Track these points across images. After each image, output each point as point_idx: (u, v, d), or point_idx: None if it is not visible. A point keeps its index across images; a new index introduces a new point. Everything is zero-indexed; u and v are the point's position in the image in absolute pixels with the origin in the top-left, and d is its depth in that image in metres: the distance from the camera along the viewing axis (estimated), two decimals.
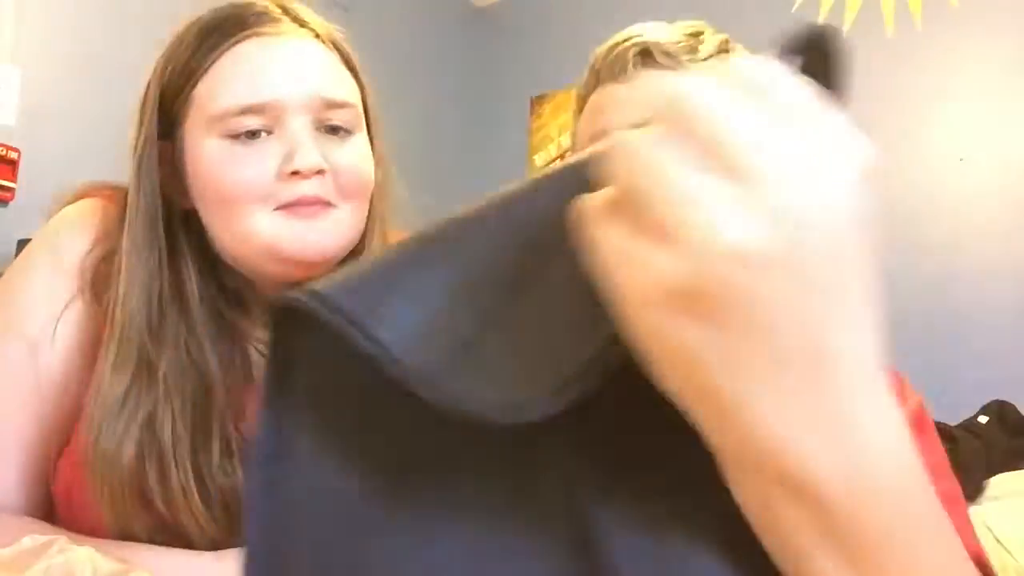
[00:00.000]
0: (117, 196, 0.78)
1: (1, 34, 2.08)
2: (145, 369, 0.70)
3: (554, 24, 3.09)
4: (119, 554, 0.47)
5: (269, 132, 0.71)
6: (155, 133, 0.74)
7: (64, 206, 0.79)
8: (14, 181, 2.06)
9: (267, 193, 0.70)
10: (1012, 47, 2.19)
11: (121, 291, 0.71)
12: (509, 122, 3.18)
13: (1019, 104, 2.16)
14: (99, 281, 0.74)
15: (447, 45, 3.23)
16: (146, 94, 0.76)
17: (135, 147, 0.75)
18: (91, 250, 0.75)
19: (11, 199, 2.07)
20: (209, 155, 0.71)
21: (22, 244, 1.99)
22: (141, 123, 0.76)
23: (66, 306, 0.73)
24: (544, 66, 3.06)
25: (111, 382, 0.69)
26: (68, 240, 0.76)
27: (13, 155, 2.06)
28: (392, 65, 2.51)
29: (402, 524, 0.28)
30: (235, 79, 0.71)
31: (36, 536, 0.43)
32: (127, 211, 0.74)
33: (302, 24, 0.75)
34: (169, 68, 0.74)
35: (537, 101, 3.14)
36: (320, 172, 0.70)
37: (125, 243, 0.72)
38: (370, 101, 0.79)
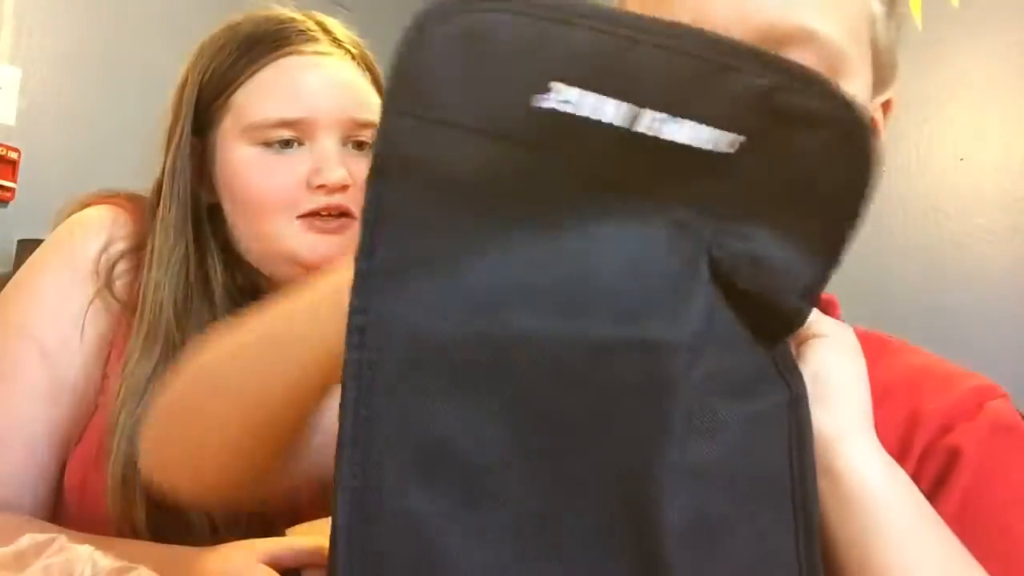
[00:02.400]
0: (125, 202, 0.80)
1: (1, 34, 2.08)
2: (171, 351, 0.72)
3: None
4: (119, 551, 0.48)
5: (300, 143, 0.76)
6: (190, 131, 0.78)
7: (72, 212, 0.81)
8: (14, 181, 2.06)
9: (292, 201, 0.75)
10: (1012, 47, 2.19)
11: (153, 278, 0.75)
12: None
13: (1019, 104, 2.16)
14: (116, 280, 0.76)
15: None
16: (182, 92, 0.80)
17: (170, 143, 0.79)
18: (105, 251, 0.77)
19: (11, 199, 2.07)
20: (241, 160, 0.76)
21: (22, 244, 1.99)
22: (177, 119, 0.80)
23: (87, 308, 0.75)
24: None
25: (139, 362, 0.72)
26: (81, 243, 0.78)
27: (13, 155, 2.06)
28: None
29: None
30: (274, 93, 0.76)
31: (35, 535, 0.43)
32: (160, 203, 0.78)
33: (339, 44, 0.81)
34: (209, 71, 0.78)
35: None
36: (344, 187, 0.75)
37: (158, 234, 0.76)
38: None
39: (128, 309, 0.75)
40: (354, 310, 0.29)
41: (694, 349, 0.31)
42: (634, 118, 0.30)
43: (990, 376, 0.54)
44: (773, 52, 0.44)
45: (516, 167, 0.30)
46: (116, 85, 2.23)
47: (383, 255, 0.29)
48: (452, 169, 0.30)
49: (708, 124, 0.30)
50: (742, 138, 0.31)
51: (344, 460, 0.29)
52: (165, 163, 0.79)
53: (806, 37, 0.45)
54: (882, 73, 0.51)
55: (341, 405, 0.29)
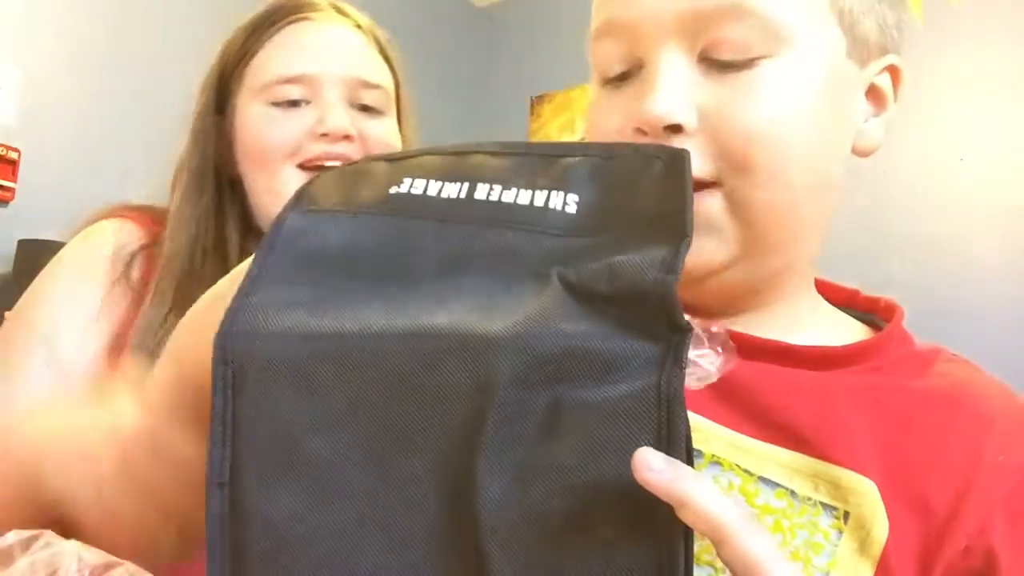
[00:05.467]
0: (133, 213, 0.82)
1: (1, 34, 2.08)
2: (182, 301, 0.75)
3: (554, 24, 3.09)
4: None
5: (308, 102, 0.80)
6: (212, 105, 0.84)
7: (90, 224, 0.82)
8: (14, 181, 2.07)
9: (296, 149, 0.79)
10: (1012, 47, 2.19)
11: (169, 229, 0.79)
12: (509, 122, 3.19)
13: (1019, 104, 2.16)
14: (132, 271, 0.78)
15: (447, 45, 3.24)
16: (208, 75, 0.86)
17: (195, 118, 0.84)
18: (116, 254, 0.78)
19: (11, 199, 2.08)
20: (252, 117, 0.81)
21: (22, 244, 1.99)
22: (201, 96, 0.85)
23: (98, 311, 0.76)
24: (544, 66, 3.07)
25: (152, 308, 0.75)
26: (94, 250, 0.79)
27: (13, 155, 2.06)
28: None
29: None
30: (281, 54, 0.81)
31: (20, 531, 0.44)
32: (177, 166, 0.83)
33: (345, 15, 0.86)
34: (227, 51, 0.84)
35: (537, 101, 3.14)
36: (348, 137, 0.79)
37: (177, 200, 0.81)
38: (402, 92, 0.89)
39: (144, 295, 0.77)
40: (220, 332, 0.33)
41: (538, 349, 0.31)
42: (472, 190, 0.37)
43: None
44: (694, 31, 0.46)
45: (376, 233, 0.36)
46: (116, 85, 2.23)
47: (255, 299, 0.34)
48: (325, 241, 0.36)
49: (540, 189, 0.36)
50: (576, 196, 0.36)
51: (214, 459, 0.33)
52: (188, 139, 0.83)
53: (731, 12, 0.44)
54: (863, 39, 0.49)
55: (211, 412, 0.33)
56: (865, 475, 0.44)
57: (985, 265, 2.14)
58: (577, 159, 0.37)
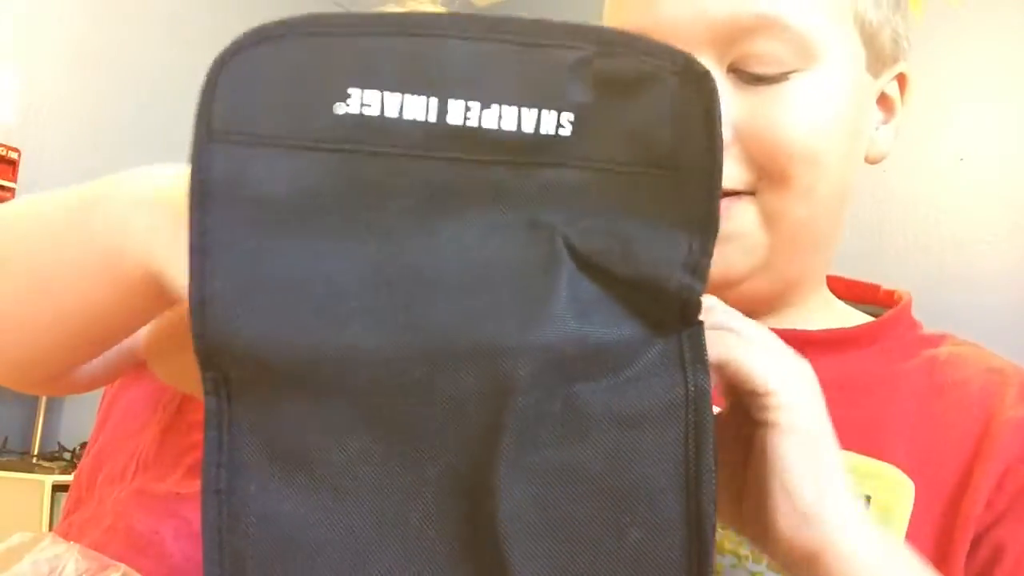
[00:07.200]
0: None
1: (1, 34, 2.08)
2: None
3: None
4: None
5: None
6: None
7: None
8: (14, 181, 2.07)
9: None
10: (1012, 47, 2.19)
11: None
12: None
13: (1019, 104, 2.16)
14: None
15: None
16: None
17: None
18: None
19: (11, 199, 2.08)
20: None
21: None
22: None
23: None
24: None
25: None
26: None
27: (13, 155, 2.06)
28: None
29: None
30: None
31: (24, 533, 0.44)
32: None
33: None
34: None
35: None
36: None
37: None
38: None
39: None
40: (194, 335, 0.30)
41: (553, 349, 0.30)
42: (444, 111, 0.30)
43: None
44: (725, 42, 0.44)
45: (336, 176, 0.30)
46: (116, 85, 2.23)
47: (216, 284, 0.30)
48: (273, 187, 0.30)
49: (527, 106, 0.30)
50: (571, 115, 0.30)
51: (210, 464, 0.31)
52: None
53: (768, 24, 0.44)
54: (879, 50, 0.49)
55: (204, 413, 0.31)
56: (886, 460, 0.45)
57: (985, 266, 2.15)
58: (570, 53, 0.30)
